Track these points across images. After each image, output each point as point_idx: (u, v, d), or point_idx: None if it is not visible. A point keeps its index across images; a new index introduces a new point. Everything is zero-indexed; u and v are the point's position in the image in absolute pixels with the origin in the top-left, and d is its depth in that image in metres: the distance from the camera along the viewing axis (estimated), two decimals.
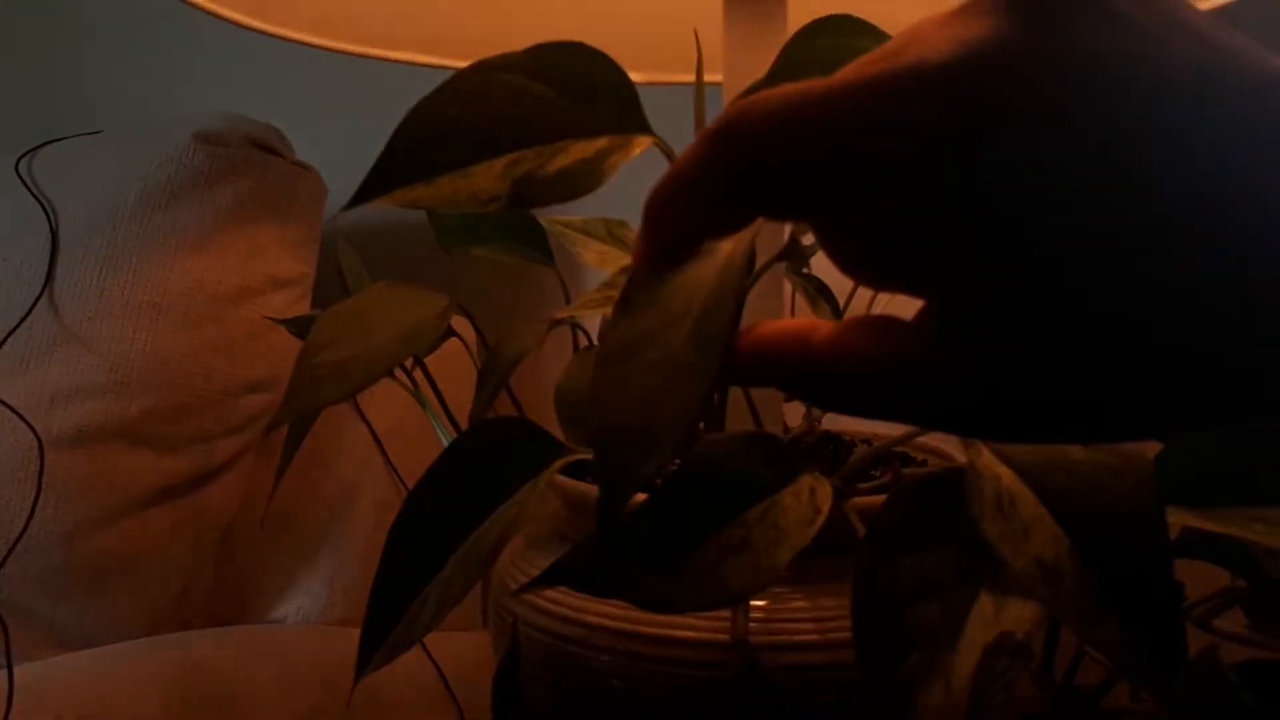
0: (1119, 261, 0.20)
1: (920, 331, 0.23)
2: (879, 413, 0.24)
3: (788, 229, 0.53)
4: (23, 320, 0.76)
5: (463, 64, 0.43)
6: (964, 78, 0.20)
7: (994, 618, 0.34)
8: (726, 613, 0.42)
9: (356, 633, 0.42)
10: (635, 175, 0.50)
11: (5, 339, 0.75)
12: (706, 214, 0.25)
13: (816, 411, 0.60)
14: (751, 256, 0.36)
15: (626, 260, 0.62)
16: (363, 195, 0.40)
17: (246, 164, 0.81)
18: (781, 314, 0.56)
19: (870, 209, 0.23)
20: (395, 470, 0.84)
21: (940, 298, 0.22)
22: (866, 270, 0.27)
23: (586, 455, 0.46)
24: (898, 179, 0.22)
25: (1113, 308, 0.20)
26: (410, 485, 0.43)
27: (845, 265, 0.27)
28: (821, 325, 0.25)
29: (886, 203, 0.22)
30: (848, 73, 0.22)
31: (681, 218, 0.26)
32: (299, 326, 0.63)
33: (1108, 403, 0.21)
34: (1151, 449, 0.38)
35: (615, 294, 0.56)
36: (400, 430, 0.86)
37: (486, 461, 0.44)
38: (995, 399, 0.22)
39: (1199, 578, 0.43)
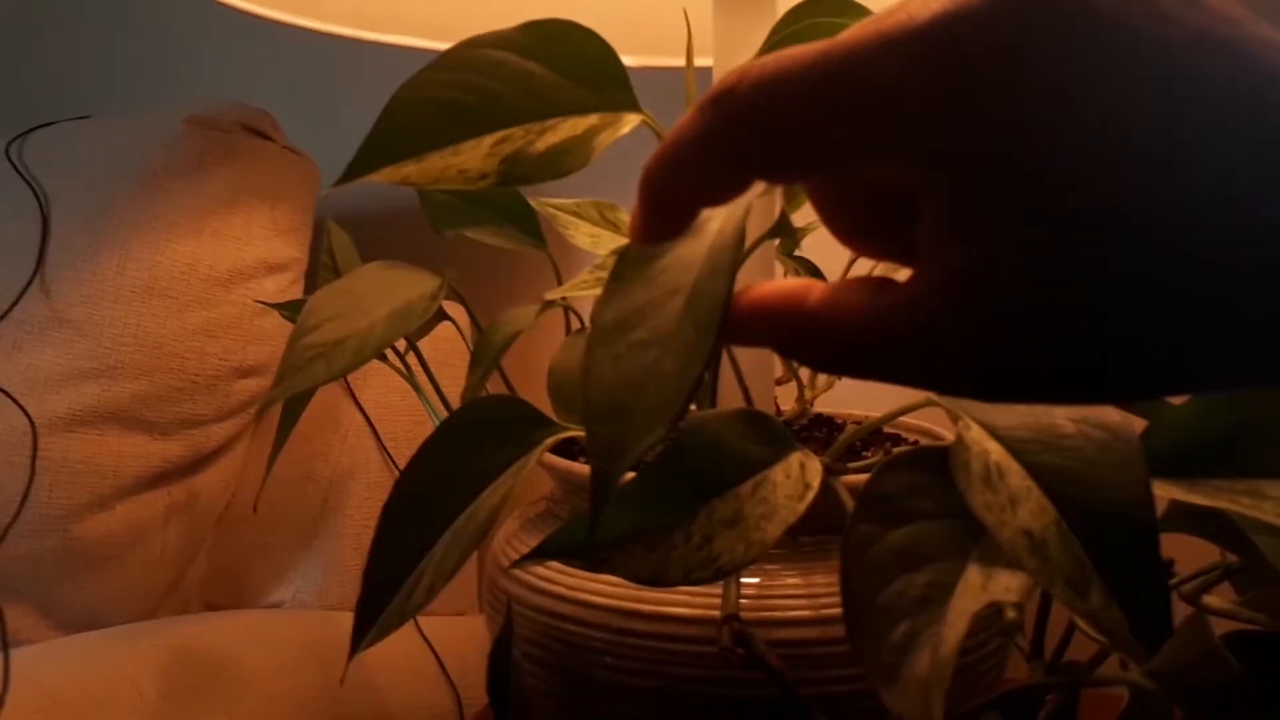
0: (1098, 230, 0.20)
1: (910, 292, 0.23)
2: (867, 373, 0.24)
3: (778, 206, 0.53)
4: (14, 304, 0.76)
5: None
6: (949, 33, 0.20)
7: (982, 587, 0.35)
8: (718, 589, 0.43)
9: (352, 617, 0.43)
10: (627, 157, 0.50)
11: None
12: (703, 180, 0.25)
13: (809, 394, 0.60)
14: (741, 234, 0.36)
15: (618, 242, 0.62)
16: (352, 172, 0.40)
17: (238, 149, 0.81)
18: None
19: (861, 169, 0.23)
20: (389, 455, 0.84)
21: (929, 262, 0.22)
22: (860, 237, 0.27)
23: (577, 432, 0.46)
24: (885, 137, 0.22)
25: (1093, 275, 0.20)
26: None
27: (840, 232, 0.27)
28: (816, 285, 0.25)
29: (875, 162, 0.22)
30: (844, 34, 0.22)
31: (678, 185, 0.26)
32: (291, 311, 0.63)
33: (1096, 367, 0.21)
34: (1139, 424, 0.39)
35: (607, 275, 0.56)
36: (393, 415, 0.86)
37: (478, 438, 0.44)
38: (981, 361, 0.22)
39: (1192, 553, 0.43)
